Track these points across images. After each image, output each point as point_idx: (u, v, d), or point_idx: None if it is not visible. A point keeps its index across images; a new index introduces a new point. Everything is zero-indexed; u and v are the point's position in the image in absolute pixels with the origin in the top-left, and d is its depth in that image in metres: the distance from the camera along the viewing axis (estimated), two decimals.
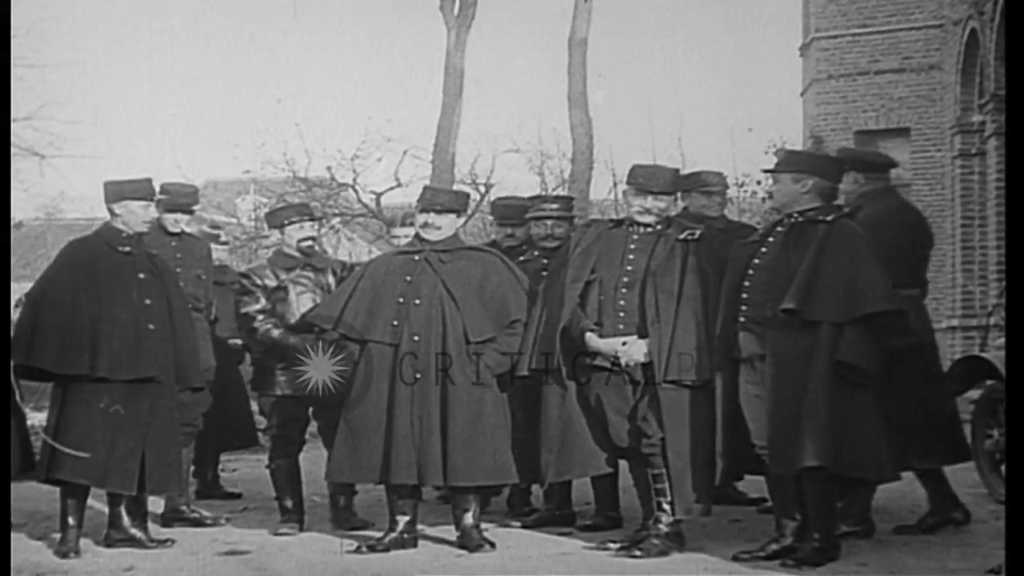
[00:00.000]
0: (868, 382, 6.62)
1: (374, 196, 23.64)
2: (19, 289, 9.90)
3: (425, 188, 7.75)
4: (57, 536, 7.51)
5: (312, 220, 8.32)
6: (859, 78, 21.29)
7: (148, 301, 7.44)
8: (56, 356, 7.31)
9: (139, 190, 7.60)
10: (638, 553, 6.96)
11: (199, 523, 8.14)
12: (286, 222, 8.22)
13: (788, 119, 28.98)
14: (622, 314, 7.09)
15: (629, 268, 7.13)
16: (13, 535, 7.42)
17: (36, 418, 9.25)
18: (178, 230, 8.49)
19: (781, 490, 6.80)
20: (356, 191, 23.90)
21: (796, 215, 6.87)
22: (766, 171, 7.15)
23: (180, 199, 8.51)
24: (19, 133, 23.87)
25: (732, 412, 6.80)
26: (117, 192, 7.61)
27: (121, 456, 7.29)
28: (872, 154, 8.98)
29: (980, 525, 7.42)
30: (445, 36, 23.82)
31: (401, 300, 7.32)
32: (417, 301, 7.30)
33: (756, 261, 6.88)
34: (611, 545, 7.16)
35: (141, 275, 7.49)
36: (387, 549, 7.25)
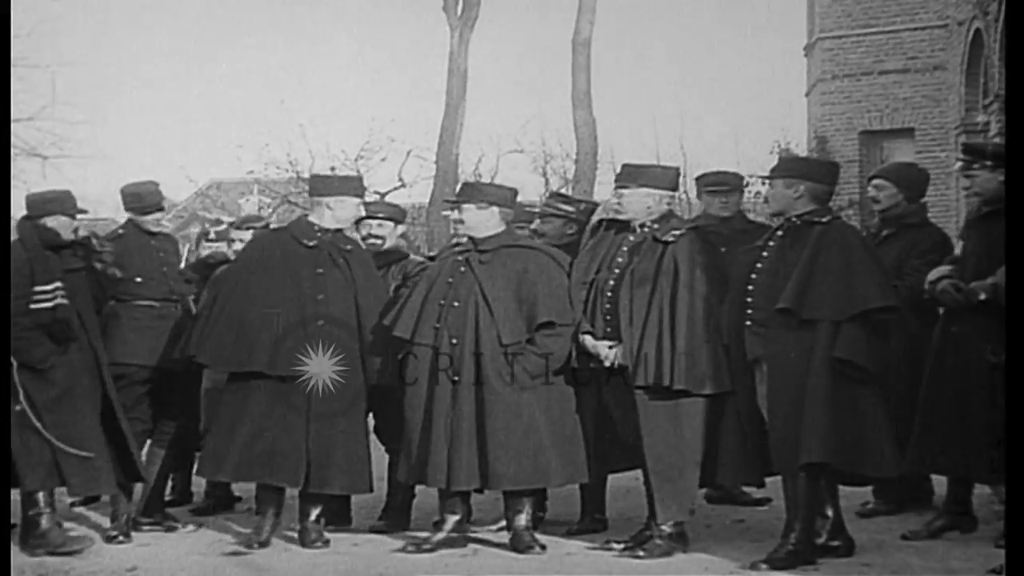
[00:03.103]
0: (868, 379, 6.65)
1: (378, 196, 23.64)
2: None
3: (465, 184, 7.85)
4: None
5: (371, 219, 8.29)
6: (863, 78, 21.30)
7: (321, 296, 7.43)
8: (222, 354, 7.41)
9: (357, 187, 7.80)
10: (641, 554, 6.96)
11: (169, 528, 8.01)
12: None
13: (792, 119, 29.02)
14: (608, 317, 7.09)
15: (616, 271, 7.13)
16: (13, 535, 7.41)
17: None
18: (158, 229, 8.42)
19: (794, 491, 6.79)
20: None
21: (793, 219, 6.91)
22: (761, 177, 7.16)
23: (152, 198, 8.41)
24: (21, 134, 23.93)
25: (750, 414, 6.84)
26: (337, 187, 7.74)
27: (236, 445, 7.36)
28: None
29: (982, 526, 7.40)
30: (448, 36, 23.86)
31: (442, 302, 7.28)
32: (456, 303, 7.26)
33: (758, 266, 6.93)
34: (615, 546, 7.15)
35: (320, 270, 7.49)
36: (435, 549, 7.22)
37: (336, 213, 7.61)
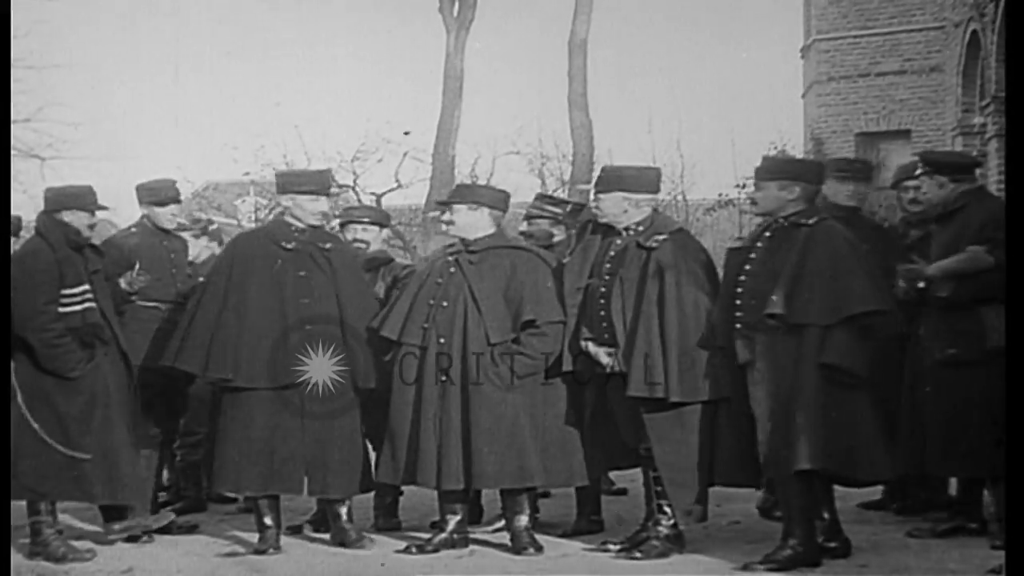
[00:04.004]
0: (858, 383, 6.62)
1: (374, 198, 23.61)
2: None
3: (458, 185, 7.79)
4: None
5: (355, 223, 8.26)
6: (860, 80, 21.28)
7: (305, 300, 7.33)
8: (202, 360, 7.26)
9: (309, 183, 7.53)
10: (638, 555, 6.95)
11: (166, 531, 7.89)
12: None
13: (789, 121, 28.90)
14: (604, 324, 7.07)
15: (606, 277, 7.11)
16: (13, 536, 7.38)
17: None
18: (173, 225, 8.40)
19: (787, 495, 6.77)
20: (356, 193, 23.87)
21: (781, 219, 6.86)
22: (755, 180, 7.09)
23: (169, 192, 8.39)
24: (19, 135, 23.88)
25: (742, 417, 6.79)
26: (286, 184, 7.56)
27: (251, 457, 7.30)
28: (956, 154, 8.83)
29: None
30: (444, 37, 23.83)
31: (431, 303, 7.27)
32: (444, 303, 7.25)
33: (747, 267, 6.88)
34: (611, 547, 7.14)
35: (301, 273, 7.38)
36: (436, 550, 7.21)
37: (294, 211, 7.50)
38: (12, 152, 22.31)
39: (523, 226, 8.38)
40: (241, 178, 26.27)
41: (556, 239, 8.24)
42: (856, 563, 6.76)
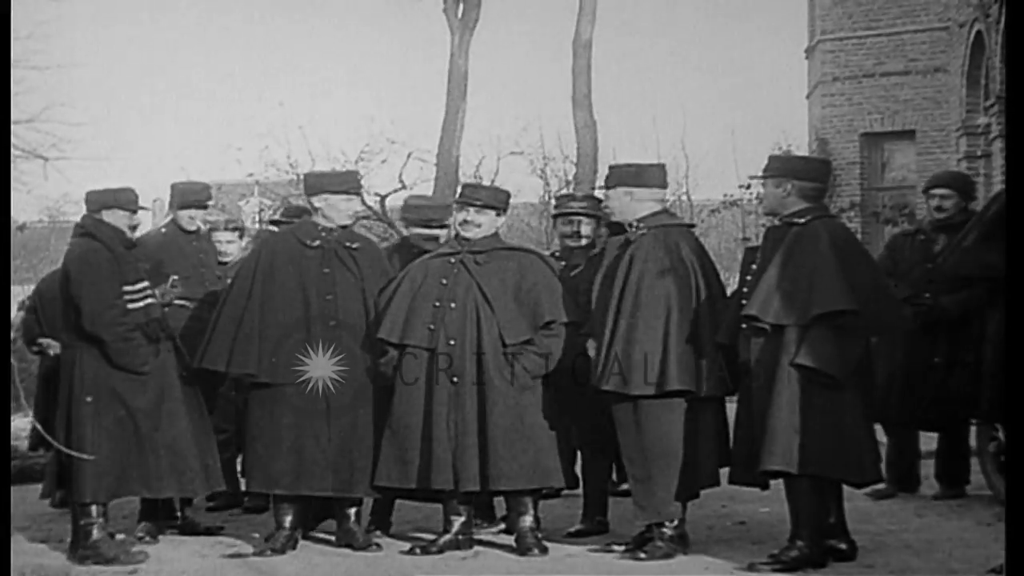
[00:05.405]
0: (839, 383, 6.55)
1: (378, 198, 23.58)
2: (21, 292, 9.84)
3: (464, 185, 7.75)
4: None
5: None
6: (864, 80, 21.26)
7: (329, 297, 7.36)
8: (226, 357, 7.30)
9: (342, 183, 7.56)
10: (643, 555, 6.94)
11: (194, 531, 7.96)
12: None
13: (793, 121, 28.95)
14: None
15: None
16: (14, 537, 7.39)
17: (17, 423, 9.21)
18: (194, 227, 8.44)
19: (792, 496, 6.76)
20: (360, 193, 23.81)
21: (783, 218, 6.85)
22: (753, 177, 7.13)
23: (192, 195, 8.45)
24: (22, 135, 23.87)
25: (748, 414, 6.77)
26: (318, 185, 7.57)
27: (282, 456, 7.31)
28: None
29: (983, 527, 7.41)
30: (449, 38, 23.80)
31: (437, 304, 7.23)
32: (452, 304, 7.23)
33: (753, 267, 6.87)
34: (616, 548, 7.14)
35: (326, 270, 7.40)
36: (441, 551, 7.21)
37: (326, 212, 7.51)
38: (16, 153, 22.35)
39: (562, 228, 8.19)
40: (245, 179, 26.28)
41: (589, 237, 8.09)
42: (861, 563, 6.76)
